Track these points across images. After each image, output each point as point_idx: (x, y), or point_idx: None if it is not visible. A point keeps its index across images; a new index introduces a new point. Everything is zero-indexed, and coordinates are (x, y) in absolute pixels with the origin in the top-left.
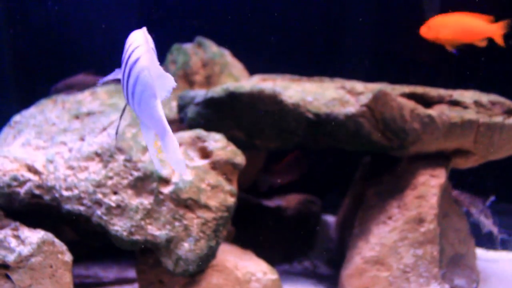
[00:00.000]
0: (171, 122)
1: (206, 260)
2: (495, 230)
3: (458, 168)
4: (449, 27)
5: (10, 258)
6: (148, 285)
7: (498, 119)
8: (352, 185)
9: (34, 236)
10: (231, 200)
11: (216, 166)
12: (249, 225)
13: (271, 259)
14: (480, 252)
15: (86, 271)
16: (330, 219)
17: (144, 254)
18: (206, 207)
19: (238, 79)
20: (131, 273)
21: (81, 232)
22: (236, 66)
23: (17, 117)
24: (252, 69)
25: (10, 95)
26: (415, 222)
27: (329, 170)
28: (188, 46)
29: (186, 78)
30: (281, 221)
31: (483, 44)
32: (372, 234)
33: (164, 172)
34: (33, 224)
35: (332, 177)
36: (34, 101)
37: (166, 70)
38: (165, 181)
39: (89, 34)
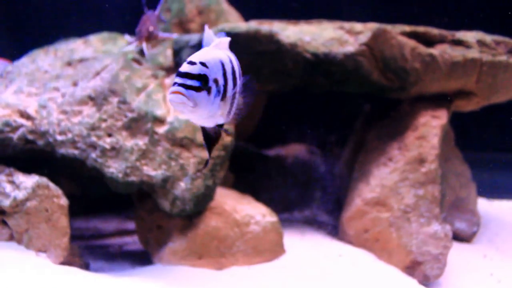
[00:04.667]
0: (166, 69)
1: (203, 200)
2: None
3: (460, 110)
4: None
5: (6, 203)
6: (147, 232)
7: (502, 58)
8: (353, 134)
9: (29, 180)
10: (228, 139)
11: None
12: (248, 174)
13: (271, 209)
14: (482, 201)
15: (86, 224)
16: None
17: (141, 199)
18: (203, 146)
19: None
20: (131, 225)
21: (78, 181)
22: (232, 13)
23: (9, 67)
24: (248, 18)
25: None
26: (416, 162)
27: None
28: None
29: (181, 26)
30: (281, 170)
31: None
32: (372, 176)
33: (159, 112)
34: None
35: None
36: None
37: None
38: (160, 121)
39: None
